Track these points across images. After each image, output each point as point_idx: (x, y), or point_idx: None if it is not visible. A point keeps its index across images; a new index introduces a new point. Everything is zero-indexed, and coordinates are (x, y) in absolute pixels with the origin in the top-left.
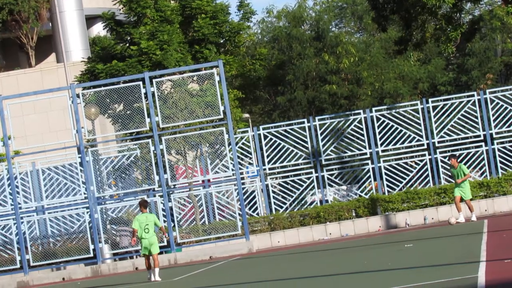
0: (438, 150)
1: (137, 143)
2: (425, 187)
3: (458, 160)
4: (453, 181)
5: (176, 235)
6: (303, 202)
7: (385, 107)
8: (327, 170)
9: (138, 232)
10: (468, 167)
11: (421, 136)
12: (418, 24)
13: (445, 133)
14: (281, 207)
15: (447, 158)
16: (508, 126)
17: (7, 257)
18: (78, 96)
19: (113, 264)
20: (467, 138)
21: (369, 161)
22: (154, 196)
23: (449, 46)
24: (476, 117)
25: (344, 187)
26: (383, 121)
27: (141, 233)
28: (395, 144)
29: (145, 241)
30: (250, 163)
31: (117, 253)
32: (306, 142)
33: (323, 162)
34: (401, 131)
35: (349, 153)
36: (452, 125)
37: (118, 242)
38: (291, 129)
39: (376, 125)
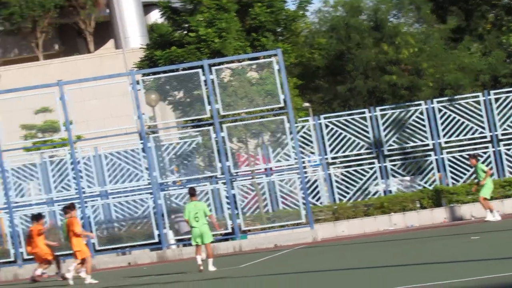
0: (501, 143)
1: (198, 130)
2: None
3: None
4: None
5: (240, 222)
6: (366, 192)
7: (446, 98)
8: (389, 161)
9: (189, 221)
10: None
11: (484, 128)
12: (478, 15)
13: (508, 125)
14: (344, 197)
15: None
16: None
17: None
18: (138, 82)
19: (178, 250)
20: None
21: (432, 153)
22: (217, 183)
23: (510, 36)
24: None
25: (407, 178)
26: (445, 113)
27: (192, 222)
28: (457, 135)
29: (195, 230)
30: (312, 152)
31: (182, 239)
32: (367, 132)
33: (386, 153)
34: (463, 123)
35: (412, 144)
36: None
37: (177, 229)
38: (352, 118)
39: (438, 116)
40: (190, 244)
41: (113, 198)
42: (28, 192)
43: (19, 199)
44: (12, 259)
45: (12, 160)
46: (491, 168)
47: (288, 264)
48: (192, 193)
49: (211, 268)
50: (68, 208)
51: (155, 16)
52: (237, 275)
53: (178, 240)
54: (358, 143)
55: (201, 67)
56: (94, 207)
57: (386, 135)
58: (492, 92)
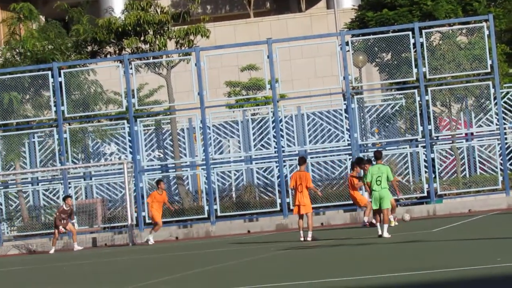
0: None
1: (402, 92)
2: None
3: None
4: None
5: (436, 186)
6: None
7: None
8: None
9: (371, 185)
10: None
11: None
12: None
13: None
14: None
15: None
16: None
17: (267, 199)
18: (347, 43)
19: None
20: None
21: None
22: (417, 146)
23: None
24: None
25: None
26: None
27: (373, 185)
28: None
29: (375, 193)
30: None
31: None
32: None
33: None
34: None
35: None
36: None
37: None
38: None
39: None
40: None
41: (312, 158)
42: (227, 149)
43: (218, 156)
44: (205, 215)
45: (214, 117)
46: None
47: (481, 230)
48: (377, 156)
49: (385, 234)
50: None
51: None
52: (429, 239)
53: None
54: None
55: (412, 29)
56: (292, 167)
57: None
58: None
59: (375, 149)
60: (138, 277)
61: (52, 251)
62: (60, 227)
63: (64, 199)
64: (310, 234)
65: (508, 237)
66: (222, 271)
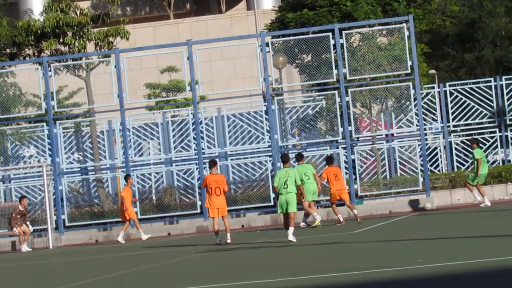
0: None
1: (322, 94)
2: None
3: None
4: None
5: (357, 187)
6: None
7: None
8: (511, 131)
9: (279, 189)
10: None
11: None
12: None
13: None
14: (463, 165)
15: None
16: None
17: (188, 201)
18: (267, 44)
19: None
20: None
21: None
22: (337, 147)
23: None
24: None
25: None
26: None
27: (280, 189)
28: None
29: (282, 197)
30: (434, 119)
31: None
32: (491, 101)
33: (508, 122)
34: None
35: None
36: None
37: None
38: (477, 87)
39: None
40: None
41: (232, 160)
42: (147, 152)
43: (138, 158)
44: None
45: (134, 119)
46: None
47: (401, 231)
48: (285, 160)
49: (290, 238)
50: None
51: None
52: (350, 240)
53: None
54: (481, 112)
55: (331, 30)
56: None
57: (510, 105)
58: None
59: (296, 151)
60: (50, 282)
61: (24, 249)
62: (14, 229)
63: (20, 199)
64: (228, 235)
65: (429, 238)
66: (143, 274)
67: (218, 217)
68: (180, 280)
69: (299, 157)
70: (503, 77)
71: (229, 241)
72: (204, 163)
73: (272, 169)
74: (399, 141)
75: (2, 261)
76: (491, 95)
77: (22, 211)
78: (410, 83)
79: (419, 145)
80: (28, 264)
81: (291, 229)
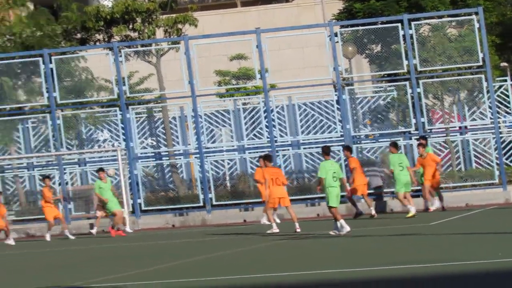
0: None
1: (393, 84)
2: None
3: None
4: None
5: None
6: None
7: None
8: None
9: (326, 181)
10: None
11: None
12: None
13: None
14: None
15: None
16: None
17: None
18: (336, 34)
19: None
20: None
21: None
22: (410, 139)
23: None
24: None
25: None
26: None
27: (330, 181)
28: None
29: (334, 190)
30: (507, 113)
31: (371, 193)
32: None
33: None
34: None
35: None
36: None
37: (369, 182)
38: None
39: None
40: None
41: (304, 148)
42: (220, 138)
43: (211, 145)
44: (201, 204)
45: (205, 106)
46: None
47: (478, 224)
48: (325, 151)
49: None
50: None
51: None
52: (426, 232)
53: (369, 194)
54: None
55: (400, 21)
56: (285, 157)
57: None
58: None
59: (368, 141)
60: (133, 264)
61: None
62: (98, 212)
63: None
64: (297, 224)
65: (508, 231)
66: (217, 260)
67: (276, 206)
68: (245, 268)
69: (394, 146)
70: None
71: (299, 230)
72: (277, 151)
73: (345, 159)
74: (472, 134)
75: (79, 243)
76: None
77: None
78: (482, 76)
79: (493, 138)
80: (111, 246)
81: (342, 221)
